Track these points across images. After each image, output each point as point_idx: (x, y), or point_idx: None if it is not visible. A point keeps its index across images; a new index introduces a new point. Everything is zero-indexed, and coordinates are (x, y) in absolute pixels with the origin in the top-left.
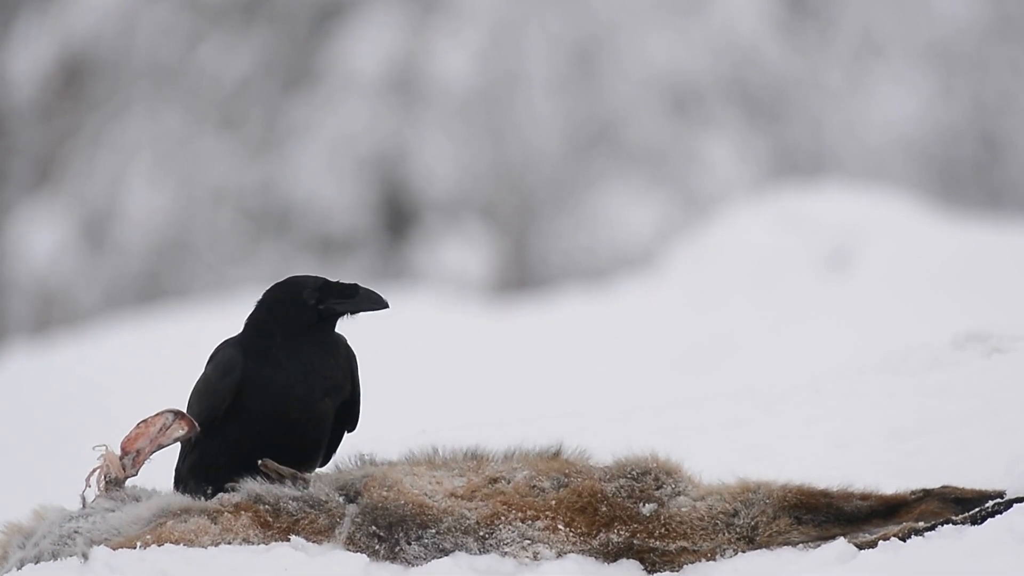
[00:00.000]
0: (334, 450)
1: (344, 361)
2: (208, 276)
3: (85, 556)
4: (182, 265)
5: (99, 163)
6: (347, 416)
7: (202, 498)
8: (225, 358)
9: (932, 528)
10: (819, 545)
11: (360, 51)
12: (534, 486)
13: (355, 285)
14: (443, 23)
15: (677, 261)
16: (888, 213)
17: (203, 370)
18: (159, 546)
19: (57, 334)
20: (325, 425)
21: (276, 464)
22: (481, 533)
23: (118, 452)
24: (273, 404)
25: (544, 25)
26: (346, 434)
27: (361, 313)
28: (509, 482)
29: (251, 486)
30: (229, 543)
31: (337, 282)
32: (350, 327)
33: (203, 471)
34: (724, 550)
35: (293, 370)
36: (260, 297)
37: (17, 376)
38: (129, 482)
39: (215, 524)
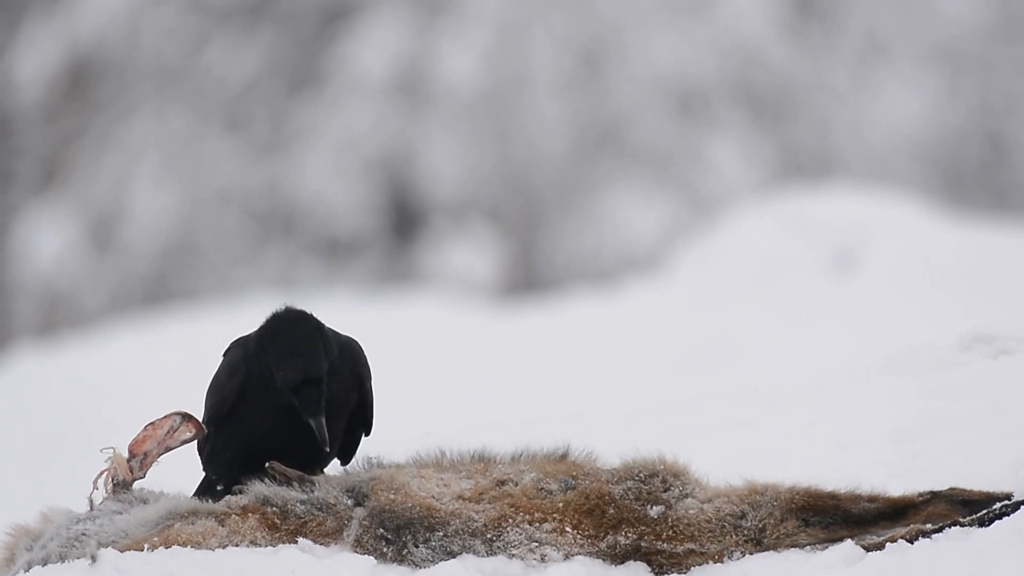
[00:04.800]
0: (351, 453)
1: (349, 365)
2: (214, 278)
3: (93, 558)
4: (188, 267)
5: (105, 165)
6: (360, 421)
7: (215, 490)
8: (233, 358)
9: (939, 530)
10: (826, 547)
11: (366, 53)
12: (541, 488)
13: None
14: (449, 25)
15: (683, 262)
16: (894, 214)
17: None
18: (166, 548)
19: (63, 336)
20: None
21: (283, 466)
22: (488, 535)
23: (125, 454)
24: (273, 404)
25: (549, 27)
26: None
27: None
28: (516, 484)
29: (258, 488)
30: (236, 545)
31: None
32: (355, 331)
33: (213, 463)
34: (732, 552)
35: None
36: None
37: (23, 378)
38: (136, 484)
39: (222, 526)
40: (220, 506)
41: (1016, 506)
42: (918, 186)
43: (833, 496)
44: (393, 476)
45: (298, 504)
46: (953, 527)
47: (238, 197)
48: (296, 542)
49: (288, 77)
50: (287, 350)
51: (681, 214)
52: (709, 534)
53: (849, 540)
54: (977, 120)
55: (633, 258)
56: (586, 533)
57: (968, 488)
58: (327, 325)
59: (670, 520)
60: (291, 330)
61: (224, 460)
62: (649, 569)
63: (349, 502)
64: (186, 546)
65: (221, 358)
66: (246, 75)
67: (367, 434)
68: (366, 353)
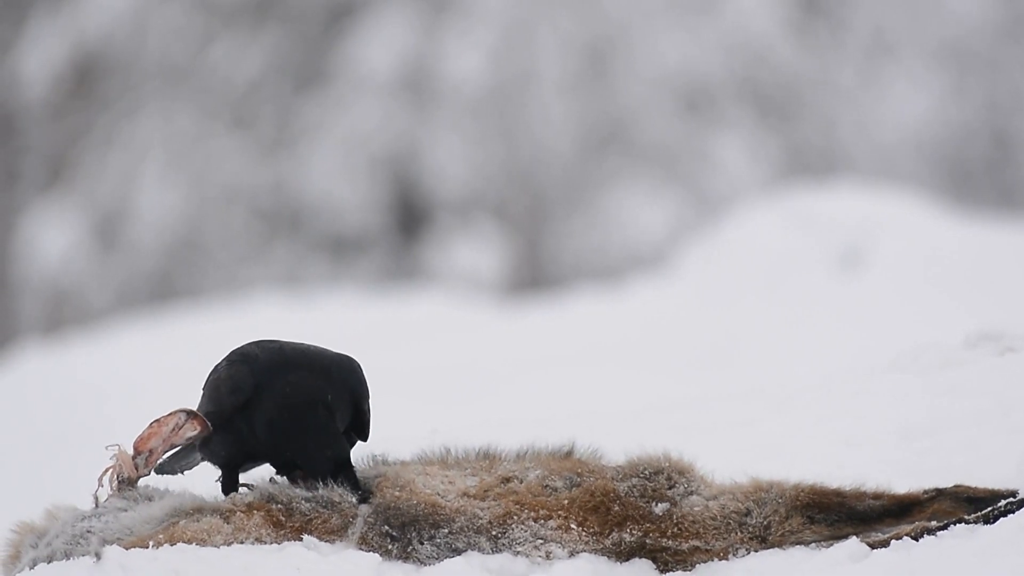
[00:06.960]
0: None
1: (343, 386)
2: (220, 276)
3: (98, 555)
4: (194, 265)
5: (111, 163)
6: (356, 433)
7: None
8: (238, 379)
9: (944, 527)
10: (832, 544)
11: (372, 51)
12: (547, 485)
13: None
14: (455, 23)
15: (689, 260)
16: (900, 212)
17: (219, 364)
18: (171, 545)
19: (68, 334)
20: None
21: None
22: (494, 532)
23: (131, 452)
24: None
25: (556, 25)
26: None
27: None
28: (522, 481)
29: (264, 485)
30: (241, 542)
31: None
32: (361, 328)
33: (210, 457)
34: (737, 549)
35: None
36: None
37: (28, 376)
38: (142, 481)
39: (227, 523)
40: (225, 503)
41: (1021, 503)
42: (925, 184)
43: (838, 493)
44: (398, 473)
45: (303, 501)
46: (958, 524)
47: (244, 195)
48: (301, 539)
49: (294, 75)
50: (304, 446)
51: (687, 212)
52: (714, 531)
53: (854, 537)
54: (984, 118)
55: (639, 256)
56: (591, 530)
57: (973, 485)
58: (314, 346)
59: (675, 517)
60: (297, 417)
61: (220, 458)
62: (654, 566)
63: (354, 499)
64: (191, 543)
65: (226, 363)
66: (252, 73)
67: (364, 441)
68: (364, 371)
